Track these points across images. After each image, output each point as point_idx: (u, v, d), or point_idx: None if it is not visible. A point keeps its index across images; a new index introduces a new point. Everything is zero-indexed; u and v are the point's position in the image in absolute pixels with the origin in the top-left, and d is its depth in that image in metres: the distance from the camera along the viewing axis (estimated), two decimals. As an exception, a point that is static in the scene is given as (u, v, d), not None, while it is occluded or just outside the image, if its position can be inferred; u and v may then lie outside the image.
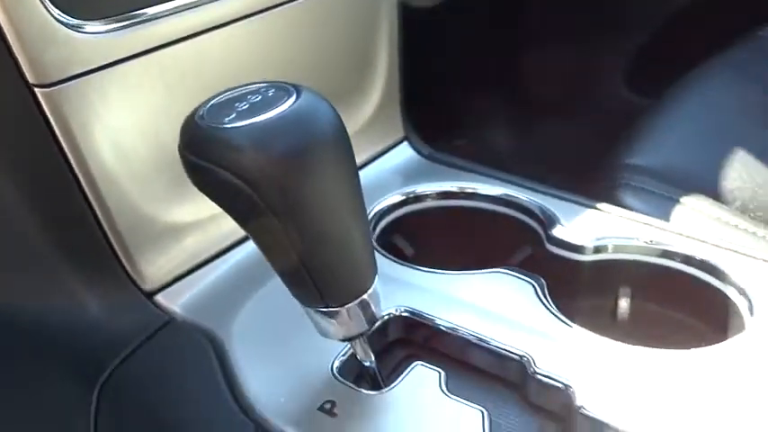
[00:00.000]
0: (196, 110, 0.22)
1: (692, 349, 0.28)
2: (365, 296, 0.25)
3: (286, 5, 0.34)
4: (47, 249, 0.30)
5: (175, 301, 0.32)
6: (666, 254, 0.33)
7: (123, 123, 0.29)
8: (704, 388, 0.26)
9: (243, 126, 0.21)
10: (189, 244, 0.33)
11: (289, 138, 0.21)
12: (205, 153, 0.21)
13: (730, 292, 0.32)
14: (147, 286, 0.32)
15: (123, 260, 0.31)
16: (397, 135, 0.46)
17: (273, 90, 0.23)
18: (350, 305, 0.25)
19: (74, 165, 0.29)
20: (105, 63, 0.28)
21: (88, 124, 0.28)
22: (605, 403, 0.26)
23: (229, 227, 0.29)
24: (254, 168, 0.21)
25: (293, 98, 0.22)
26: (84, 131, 0.28)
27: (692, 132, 0.50)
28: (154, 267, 0.32)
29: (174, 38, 0.30)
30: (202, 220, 0.33)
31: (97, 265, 0.31)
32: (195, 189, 0.23)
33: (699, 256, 0.33)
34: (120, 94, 0.29)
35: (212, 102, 0.23)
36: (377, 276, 0.25)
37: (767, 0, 0.65)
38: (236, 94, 0.23)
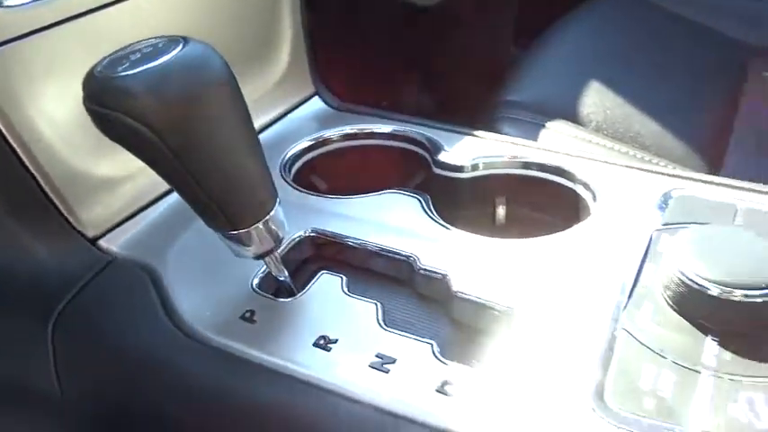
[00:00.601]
0: (95, 65, 0.26)
1: (550, 235, 0.35)
2: (267, 218, 0.30)
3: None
4: None
5: (116, 243, 0.36)
6: (527, 165, 0.41)
7: (47, 89, 0.33)
8: (561, 264, 0.33)
9: (135, 73, 0.25)
10: (124, 193, 0.37)
11: (179, 80, 0.25)
12: (104, 101, 0.25)
13: (579, 189, 0.39)
14: (90, 233, 0.36)
15: (65, 212, 0.35)
16: (308, 90, 0.51)
17: (163, 42, 0.27)
18: (255, 226, 0.30)
19: (4, 131, 0.33)
20: (24, 33, 0.32)
21: (14, 92, 0.32)
22: (477, 286, 0.32)
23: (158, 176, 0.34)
24: (149, 111, 0.25)
25: (180, 46, 0.26)
26: (10, 99, 0.32)
27: (558, 71, 0.58)
28: (93, 216, 0.36)
29: (86, 8, 0.34)
30: (133, 172, 0.37)
31: (42, 219, 0.35)
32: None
33: (552, 163, 0.40)
34: (43, 61, 0.33)
35: (109, 57, 0.27)
36: (278, 201, 0.31)
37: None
38: (129, 50, 0.27)
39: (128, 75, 0.25)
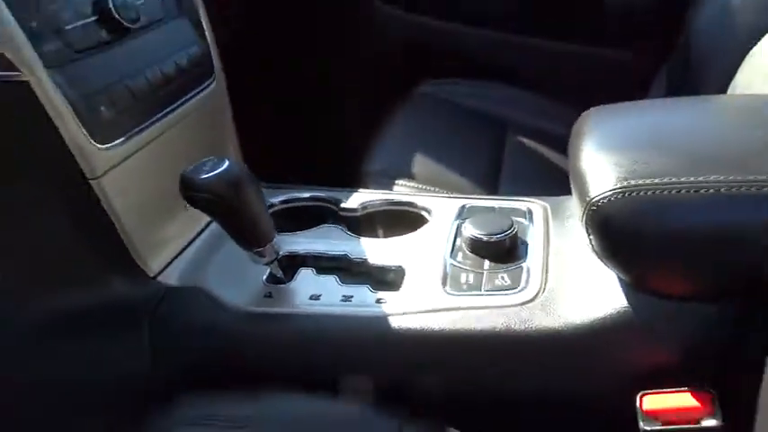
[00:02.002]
0: (184, 171, 0.54)
1: (406, 235, 0.67)
2: (273, 241, 0.59)
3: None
4: (91, 258, 0.57)
5: (171, 276, 0.62)
6: (392, 203, 0.73)
7: (140, 183, 0.59)
8: (415, 245, 0.65)
9: (210, 175, 0.53)
10: (177, 241, 0.64)
11: (229, 177, 0.54)
12: (196, 188, 0.53)
13: (421, 212, 0.72)
14: (152, 273, 0.62)
15: (137, 261, 0.60)
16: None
17: (215, 160, 0.55)
18: (268, 245, 0.59)
19: (105, 206, 0.57)
20: (125, 156, 0.58)
21: (119, 189, 0.57)
22: (374, 260, 0.63)
23: (198, 223, 0.62)
24: (220, 191, 0.53)
25: (226, 163, 0.55)
26: (115, 193, 0.57)
27: (403, 145, 0.94)
28: (157, 260, 0.62)
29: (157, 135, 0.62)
30: (183, 229, 0.64)
31: (122, 264, 0.59)
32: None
33: (405, 200, 0.73)
34: (138, 169, 0.59)
35: (190, 168, 0.55)
36: (275, 234, 0.60)
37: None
38: (200, 163, 0.55)
39: (209, 176, 0.53)
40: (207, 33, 0.72)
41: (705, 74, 0.82)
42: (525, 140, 1.06)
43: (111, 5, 0.57)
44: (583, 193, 0.48)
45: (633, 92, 0.91)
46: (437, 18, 1.22)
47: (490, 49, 1.21)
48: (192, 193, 0.53)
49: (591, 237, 0.48)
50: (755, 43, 0.71)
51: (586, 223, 0.48)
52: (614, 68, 1.15)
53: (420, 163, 0.91)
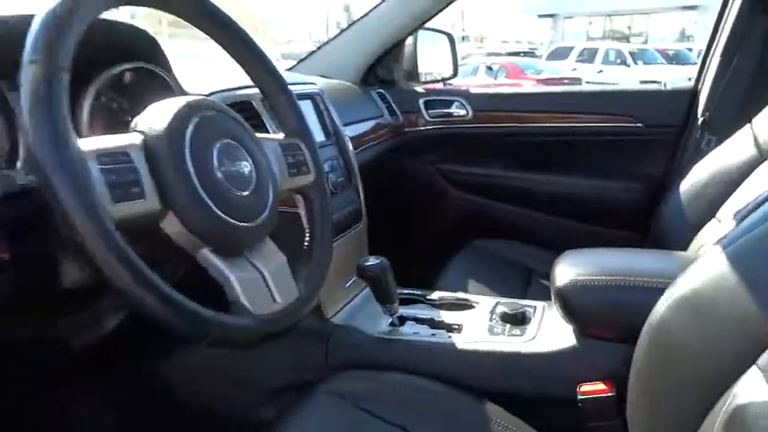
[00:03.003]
0: (360, 262, 1.11)
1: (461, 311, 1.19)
2: (395, 304, 1.13)
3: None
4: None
5: (337, 319, 1.15)
6: (457, 297, 1.26)
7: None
8: (465, 318, 1.17)
9: (374, 264, 1.09)
10: (341, 300, 1.18)
11: (383, 265, 1.10)
12: (365, 271, 1.09)
13: (474, 303, 1.25)
14: (328, 315, 1.15)
15: (323, 310, 1.14)
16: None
17: (374, 258, 1.12)
18: (393, 305, 1.12)
19: None
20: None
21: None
22: None
23: (355, 291, 1.18)
24: (377, 273, 1.09)
25: (381, 259, 1.11)
26: None
27: None
28: (331, 310, 1.16)
29: None
30: (347, 292, 1.19)
31: (318, 313, 1.14)
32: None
33: (463, 296, 1.26)
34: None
35: (361, 260, 1.11)
36: (397, 300, 1.14)
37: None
38: (365, 259, 1.12)
39: (373, 264, 1.09)
40: (361, 196, 1.33)
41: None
42: (544, 282, 1.59)
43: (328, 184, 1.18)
44: (553, 283, 1.01)
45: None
46: (486, 198, 1.84)
47: (525, 220, 1.80)
48: (364, 273, 1.09)
49: (558, 307, 1.00)
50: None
51: (555, 299, 1.00)
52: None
53: (468, 283, 1.45)
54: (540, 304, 1.20)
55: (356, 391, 0.95)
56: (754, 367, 0.57)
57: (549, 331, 1.07)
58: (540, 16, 26.09)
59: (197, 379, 1.15)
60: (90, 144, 0.56)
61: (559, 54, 14.68)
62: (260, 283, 0.69)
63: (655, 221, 1.47)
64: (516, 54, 15.93)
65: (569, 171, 1.81)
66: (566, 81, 10.80)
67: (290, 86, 0.86)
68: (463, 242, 1.70)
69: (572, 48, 14.89)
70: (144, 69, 0.89)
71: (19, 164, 0.75)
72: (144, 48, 0.89)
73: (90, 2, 0.58)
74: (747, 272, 0.59)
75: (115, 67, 0.85)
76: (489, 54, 15.36)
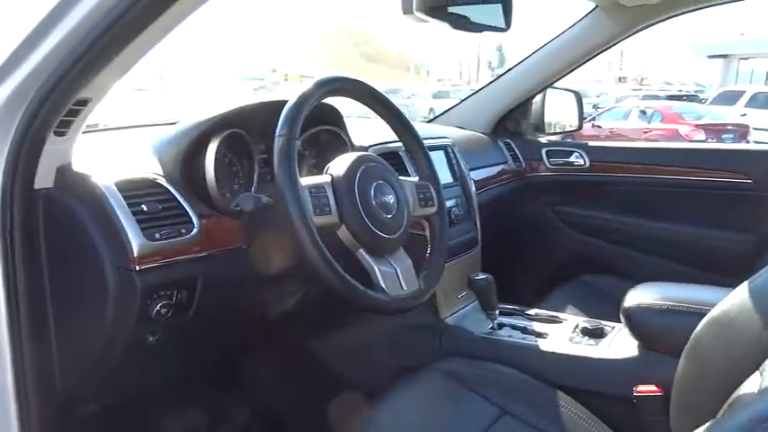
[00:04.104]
0: (471, 275, 1.45)
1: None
2: (496, 311, 1.45)
3: None
4: (430, 308, 1.49)
5: (449, 320, 1.50)
6: (550, 315, 1.55)
7: (447, 282, 1.52)
8: (553, 330, 1.45)
9: (482, 278, 1.43)
10: (453, 306, 1.53)
11: (488, 280, 1.43)
12: (475, 283, 1.43)
13: (563, 320, 1.52)
14: (443, 316, 1.50)
15: (439, 311, 1.49)
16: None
17: (485, 275, 1.45)
18: (495, 312, 1.44)
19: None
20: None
21: (442, 290, 1.50)
22: None
23: (466, 302, 1.52)
24: (489, 286, 1.42)
25: (488, 276, 1.44)
26: (441, 290, 1.50)
27: None
28: (445, 312, 1.50)
29: None
30: (457, 301, 1.54)
31: (434, 314, 1.49)
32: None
33: (561, 315, 1.55)
34: (447, 280, 1.53)
35: (474, 275, 1.45)
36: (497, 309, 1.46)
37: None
38: (479, 276, 1.46)
39: (483, 278, 1.43)
40: (478, 226, 1.67)
41: None
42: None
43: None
44: (622, 305, 1.28)
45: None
46: (597, 238, 2.09)
47: (631, 260, 2.02)
48: (472, 284, 1.42)
49: (624, 325, 1.27)
50: None
51: (622, 317, 1.27)
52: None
53: (566, 308, 1.72)
54: (618, 325, 1.44)
55: (463, 373, 1.26)
56: (757, 372, 0.68)
57: (618, 344, 1.33)
58: (710, 57, 24.28)
59: (338, 353, 1.55)
60: (305, 181, 0.99)
61: (727, 98, 13.76)
62: (394, 276, 1.06)
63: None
64: (677, 98, 15.20)
65: (677, 219, 2.00)
66: (729, 128, 10.20)
67: (427, 140, 1.24)
68: (572, 276, 1.96)
69: (743, 92, 13.93)
70: (330, 130, 1.33)
71: (252, 189, 1.20)
72: (330, 115, 1.33)
73: (313, 97, 1.01)
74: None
75: (313, 129, 1.29)
76: (645, 97, 14.82)
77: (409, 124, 1.22)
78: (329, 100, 1.14)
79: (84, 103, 0.84)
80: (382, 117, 1.17)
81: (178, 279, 0.98)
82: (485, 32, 1.16)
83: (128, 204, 0.94)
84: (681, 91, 18.44)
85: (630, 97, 14.85)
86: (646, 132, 9.93)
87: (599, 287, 1.90)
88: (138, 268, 0.93)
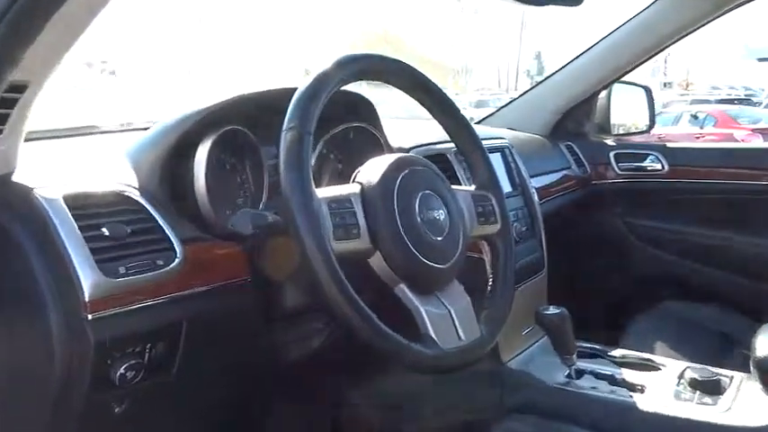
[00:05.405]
0: (540, 310, 1.15)
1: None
2: (574, 355, 1.14)
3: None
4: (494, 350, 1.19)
5: (512, 363, 1.20)
6: (646, 357, 1.23)
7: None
8: (649, 380, 1.14)
9: (554, 313, 1.12)
10: (516, 349, 1.23)
11: (563, 314, 1.13)
12: (543, 319, 1.13)
13: (661, 366, 1.20)
14: (504, 361, 1.20)
15: (501, 355, 1.20)
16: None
17: (553, 307, 1.15)
18: (572, 356, 1.14)
19: None
20: None
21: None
22: None
23: (534, 338, 1.21)
24: (562, 322, 1.12)
25: (563, 310, 1.14)
26: None
27: None
28: (506, 356, 1.21)
29: None
30: (522, 340, 1.24)
31: (496, 359, 1.20)
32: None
33: (651, 358, 1.23)
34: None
35: (541, 309, 1.15)
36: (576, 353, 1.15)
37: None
38: (547, 307, 1.15)
39: (553, 313, 1.13)
40: (544, 246, 1.37)
41: None
42: (744, 351, 1.46)
43: None
44: (753, 353, 0.96)
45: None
46: (678, 256, 1.75)
47: (722, 283, 1.68)
48: (542, 321, 1.11)
49: (759, 380, 0.95)
50: None
51: (756, 370, 0.95)
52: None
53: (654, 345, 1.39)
54: (737, 375, 1.12)
55: None
56: None
57: (747, 404, 1.01)
58: (760, 60, 23.48)
59: (372, 409, 1.26)
60: (324, 192, 0.71)
61: (785, 101, 13.09)
62: (447, 319, 0.78)
63: None
64: (729, 101, 14.50)
65: (774, 233, 1.66)
66: (790, 131, 9.62)
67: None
68: (650, 301, 1.63)
69: (800, 95, 13.19)
70: (361, 128, 1.04)
71: (261, 205, 0.93)
72: (362, 110, 1.05)
73: (331, 81, 0.73)
74: None
75: (339, 126, 1.01)
76: (693, 101, 14.19)
77: (463, 118, 0.93)
78: (360, 89, 0.86)
79: (20, 89, 0.63)
80: (425, 106, 0.88)
81: (151, 329, 0.72)
82: (550, 6, 0.94)
83: (81, 227, 0.68)
84: (731, 95, 17.64)
85: (677, 102, 14.23)
86: (698, 138, 9.40)
87: (688, 317, 1.57)
88: (89, 317, 0.66)
